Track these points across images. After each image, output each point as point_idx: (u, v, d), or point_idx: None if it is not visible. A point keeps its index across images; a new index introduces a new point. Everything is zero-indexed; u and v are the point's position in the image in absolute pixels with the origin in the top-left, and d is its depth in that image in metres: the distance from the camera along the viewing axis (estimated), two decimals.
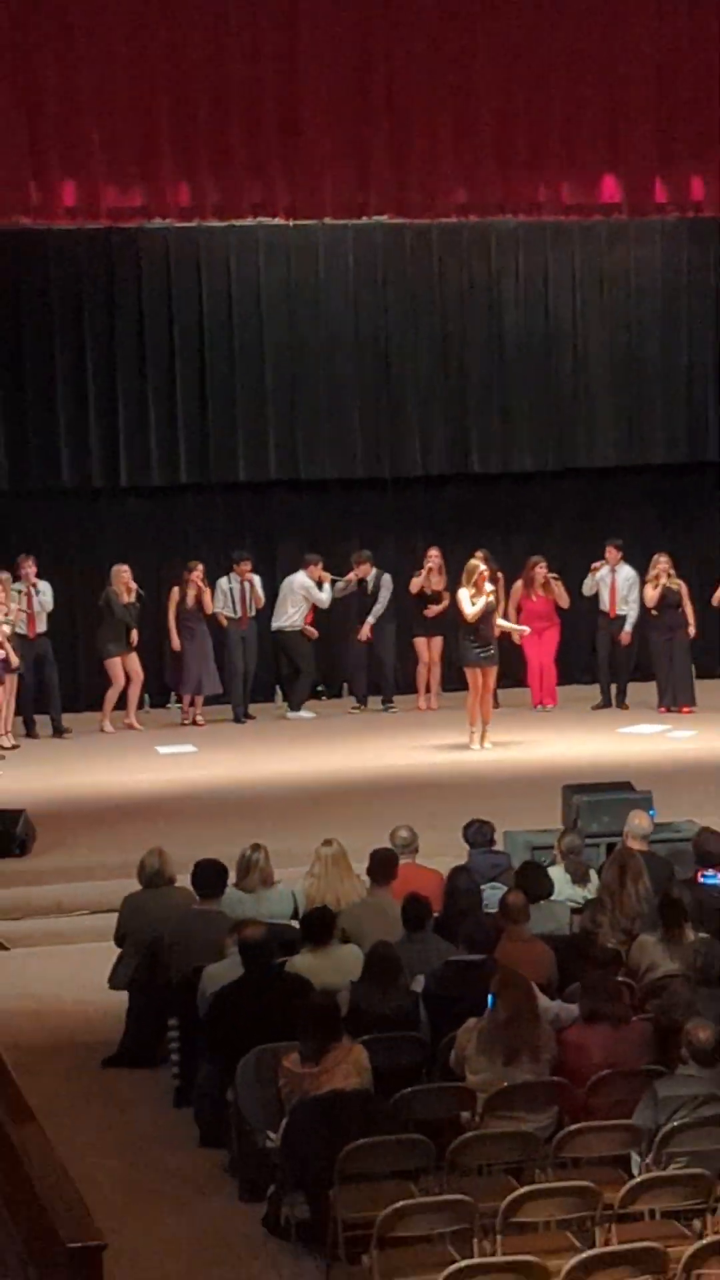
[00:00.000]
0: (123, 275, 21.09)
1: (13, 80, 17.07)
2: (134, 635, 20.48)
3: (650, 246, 22.10)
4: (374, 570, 21.07)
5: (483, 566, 19.08)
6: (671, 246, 22.17)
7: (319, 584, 20.94)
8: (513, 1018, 9.77)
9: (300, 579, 20.95)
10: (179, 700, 21.15)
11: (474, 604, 18.89)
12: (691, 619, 20.43)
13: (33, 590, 20.11)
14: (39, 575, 20.22)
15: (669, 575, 20.32)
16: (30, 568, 20.15)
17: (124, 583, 20.37)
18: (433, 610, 20.81)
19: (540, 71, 17.97)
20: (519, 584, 20.75)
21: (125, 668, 20.50)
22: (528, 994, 9.92)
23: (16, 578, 19.98)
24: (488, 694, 19.11)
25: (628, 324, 22.37)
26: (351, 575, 21.04)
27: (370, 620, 21.00)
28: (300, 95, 17.65)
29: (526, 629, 20.03)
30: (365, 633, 20.98)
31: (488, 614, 19.08)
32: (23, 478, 21.17)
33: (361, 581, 21.05)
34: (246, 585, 20.65)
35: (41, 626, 20.15)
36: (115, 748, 19.72)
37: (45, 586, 20.27)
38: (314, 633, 21.02)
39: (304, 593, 20.90)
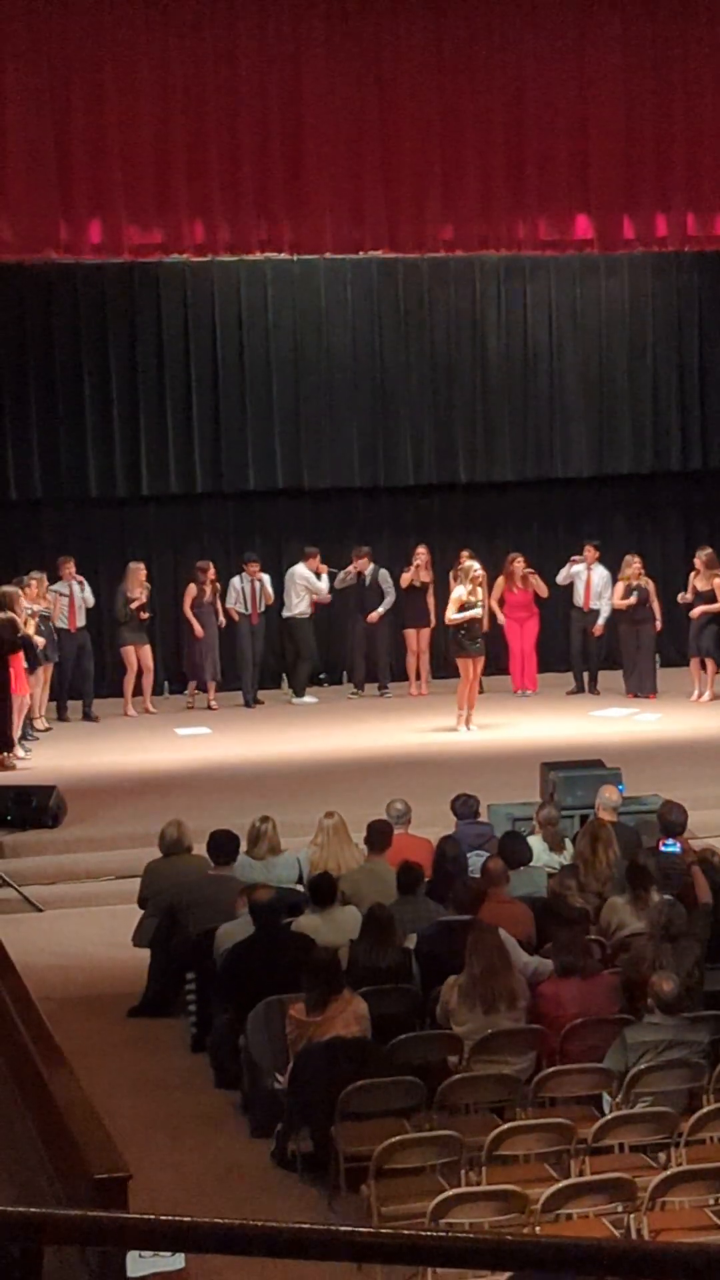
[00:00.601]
0: (143, 305, 21.26)
1: (46, 130, 16.97)
2: (145, 616, 20.50)
3: (619, 278, 22.26)
4: (371, 565, 21.10)
5: (477, 570, 19.21)
6: (638, 278, 22.32)
7: (317, 575, 20.95)
8: (486, 971, 9.85)
9: (300, 570, 20.97)
10: (187, 687, 21.17)
11: (471, 599, 19.05)
12: (658, 614, 20.52)
13: (76, 587, 20.24)
14: (75, 575, 20.29)
15: (639, 575, 20.51)
16: (70, 567, 20.26)
17: (138, 580, 20.53)
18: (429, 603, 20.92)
19: (518, 121, 17.78)
20: (501, 579, 20.76)
21: (138, 657, 20.60)
22: (499, 949, 9.97)
23: (57, 577, 20.05)
24: (476, 681, 19.22)
25: (598, 348, 22.43)
26: (351, 568, 21.02)
27: (381, 610, 21.01)
28: (303, 143, 17.53)
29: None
30: (374, 617, 21.02)
31: (472, 609, 19.16)
32: (55, 487, 21.24)
33: (360, 575, 21.04)
34: (256, 584, 20.69)
35: (81, 621, 20.23)
36: (138, 730, 19.71)
37: (84, 584, 20.36)
38: (326, 601, 21.07)
39: (304, 583, 20.92)
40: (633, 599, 20.35)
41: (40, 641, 18.80)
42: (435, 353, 22.11)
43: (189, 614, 20.70)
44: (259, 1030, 10.13)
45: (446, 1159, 8.62)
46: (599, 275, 22.26)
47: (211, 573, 20.67)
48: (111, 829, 15.30)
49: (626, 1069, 9.21)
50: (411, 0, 17.60)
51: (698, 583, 20.28)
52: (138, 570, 20.60)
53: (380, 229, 18.05)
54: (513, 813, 13.96)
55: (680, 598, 20.46)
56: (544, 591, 20.86)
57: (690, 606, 20.30)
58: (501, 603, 20.78)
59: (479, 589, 19.30)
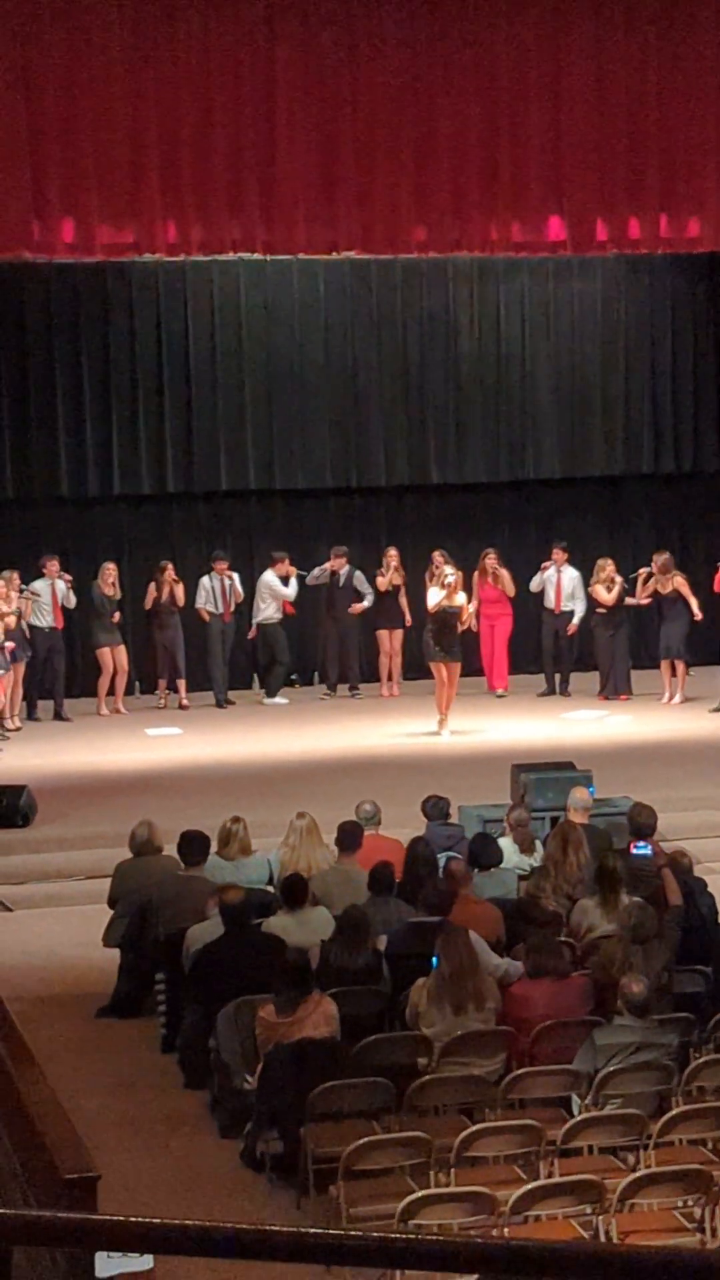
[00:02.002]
0: (116, 304, 21.26)
1: (18, 129, 17.01)
2: (117, 616, 20.57)
3: (591, 280, 22.34)
4: (347, 566, 21.10)
5: (451, 577, 19.15)
6: (610, 280, 22.38)
7: (285, 580, 20.92)
8: (455, 972, 9.87)
9: (267, 577, 20.94)
10: (158, 688, 21.17)
11: (447, 604, 19.02)
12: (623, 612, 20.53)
13: (61, 585, 20.21)
14: (59, 573, 20.31)
15: (613, 579, 20.46)
16: (54, 566, 20.23)
17: (109, 580, 20.56)
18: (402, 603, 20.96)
19: (492, 122, 17.84)
20: (475, 574, 20.74)
21: (113, 658, 20.60)
22: (468, 950, 9.98)
23: (39, 575, 20.06)
24: (452, 687, 19.16)
25: (570, 350, 22.50)
26: (328, 565, 21.04)
27: (363, 605, 21.08)
28: (276, 143, 17.55)
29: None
30: (358, 609, 21.07)
31: (451, 614, 19.16)
32: (26, 487, 21.24)
33: (334, 574, 21.06)
34: (226, 581, 20.69)
35: (60, 620, 20.28)
36: (108, 730, 19.73)
37: (70, 583, 20.37)
38: (291, 610, 21.04)
39: (269, 590, 20.92)
40: (615, 593, 20.37)
41: (10, 645, 18.82)
42: (408, 354, 22.16)
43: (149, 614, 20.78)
44: (229, 1031, 10.13)
45: (415, 1160, 8.63)
46: (572, 277, 22.34)
47: (170, 572, 20.68)
48: (82, 829, 15.30)
49: (596, 1071, 9.23)
50: (387, 4, 17.64)
51: (657, 586, 20.32)
52: (107, 570, 20.64)
53: (353, 229, 18.12)
54: (483, 814, 13.99)
55: (629, 600, 20.54)
56: (510, 590, 20.88)
57: (655, 607, 20.38)
58: (478, 600, 20.73)
59: (457, 592, 19.24)
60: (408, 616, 20.94)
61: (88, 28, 17.08)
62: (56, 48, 17.04)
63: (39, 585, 20.04)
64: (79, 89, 17.10)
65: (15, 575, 19.72)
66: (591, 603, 20.70)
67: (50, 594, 20.12)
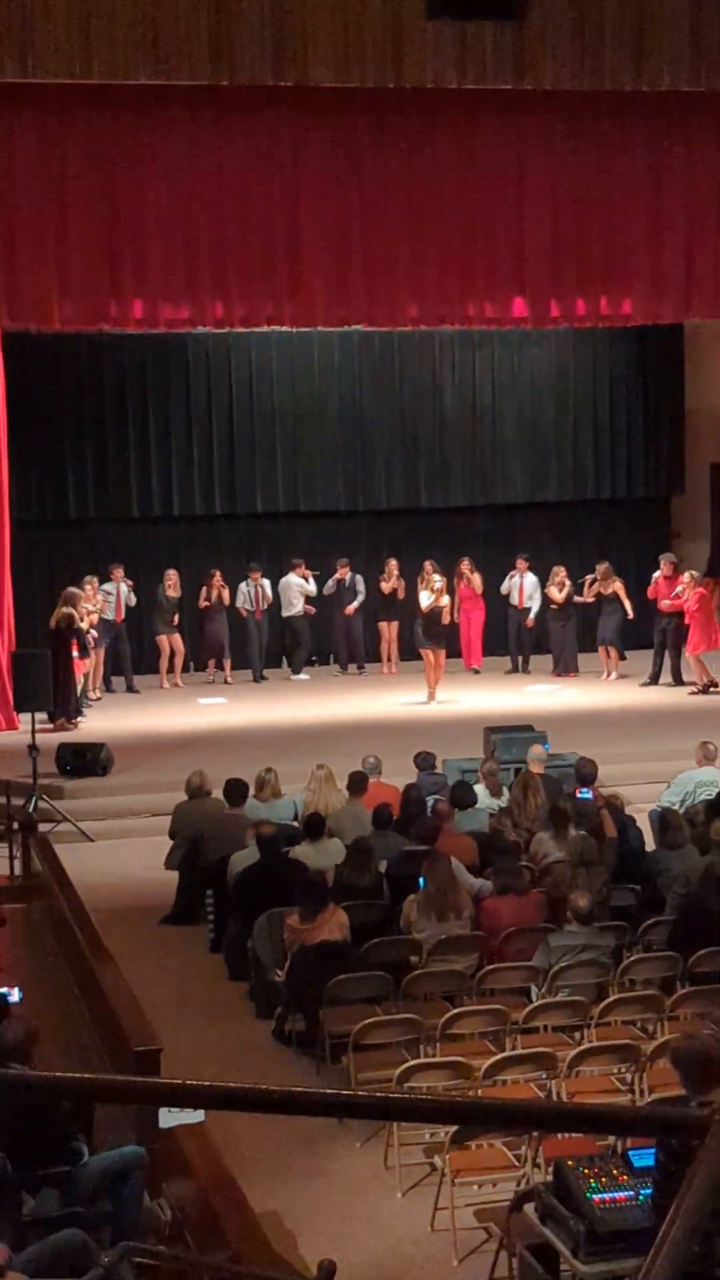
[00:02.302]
0: (175, 366, 21.24)
1: (100, 230, 17.02)
2: (175, 618, 20.60)
3: (547, 347, 22.28)
4: (350, 573, 21.12)
5: (439, 582, 19.29)
6: (562, 348, 22.32)
7: (304, 579, 20.95)
8: (440, 890, 9.98)
9: (293, 579, 20.91)
10: (207, 666, 21.12)
11: (435, 603, 19.15)
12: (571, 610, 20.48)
13: (123, 588, 20.18)
14: (124, 578, 20.30)
15: (564, 583, 20.46)
16: (119, 572, 20.22)
17: (170, 583, 20.59)
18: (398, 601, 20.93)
19: (470, 224, 17.81)
20: (455, 578, 20.61)
21: (170, 643, 20.63)
22: (449, 872, 10.09)
23: (108, 579, 20.03)
24: (439, 667, 19.14)
25: (531, 403, 22.42)
26: (336, 575, 20.97)
27: (355, 605, 20.97)
28: (300, 240, 17.56)
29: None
30: (350, 610, 20.99)
31: (438, 611, 19.25)
32: (104, 509, 21.23)
33: (339, 581, 21.03)
34: (258, 588, 20.68)
35: (122, 614, 20.23)
36: (168, 700, 19.73)
37: (130, 587, 20.33)
38: (311, 610, 21.02)
39: (298, 588, 20.90)
40: (565, 594, 20.36)
41: (93, 635, 18.88)
42: (403, 405, 22.10)
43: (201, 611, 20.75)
44: (263, 935, 10.20)
45: (408, 1037, 8.69)
46: (531, 345, 22.27)
47: (218, 578, 20.64)
48: (148, 777, 15.33)
49: (550, 967, 9.29)
50: (388, 129, 17.70)
51: (599, 588, 20.26)
52: (170, 575, 20.63)
53: (361, 307, 18.14)
54: (462, 766, 14.02)
55: (577, 599, 20.46)
56: (479, 589, 20.77)
57: (597, 605, 20.31)
58: (455, 596, 20.69)
59: (442, 595, 19.37)
60: (400, 612, 20.88)
61: (153, 147, 17.13)
62: (128, 164, 17.07)
63: (108, 587, 20.04)
64: (146, 196, 17.14)
65: (95, 580, 19.75)
66: (546, 601, 20.68)
67: (116, 595, 20.08)
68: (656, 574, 19.87)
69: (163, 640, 20.57)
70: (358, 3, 16.55)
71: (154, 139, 17.10)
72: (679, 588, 19.41)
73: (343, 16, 16.59)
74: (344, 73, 16.73)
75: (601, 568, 20.50)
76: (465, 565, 20.81)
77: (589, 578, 20.48)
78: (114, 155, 17.04)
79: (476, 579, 20.75)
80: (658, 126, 18.24)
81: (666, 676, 19.66)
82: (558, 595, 20.47)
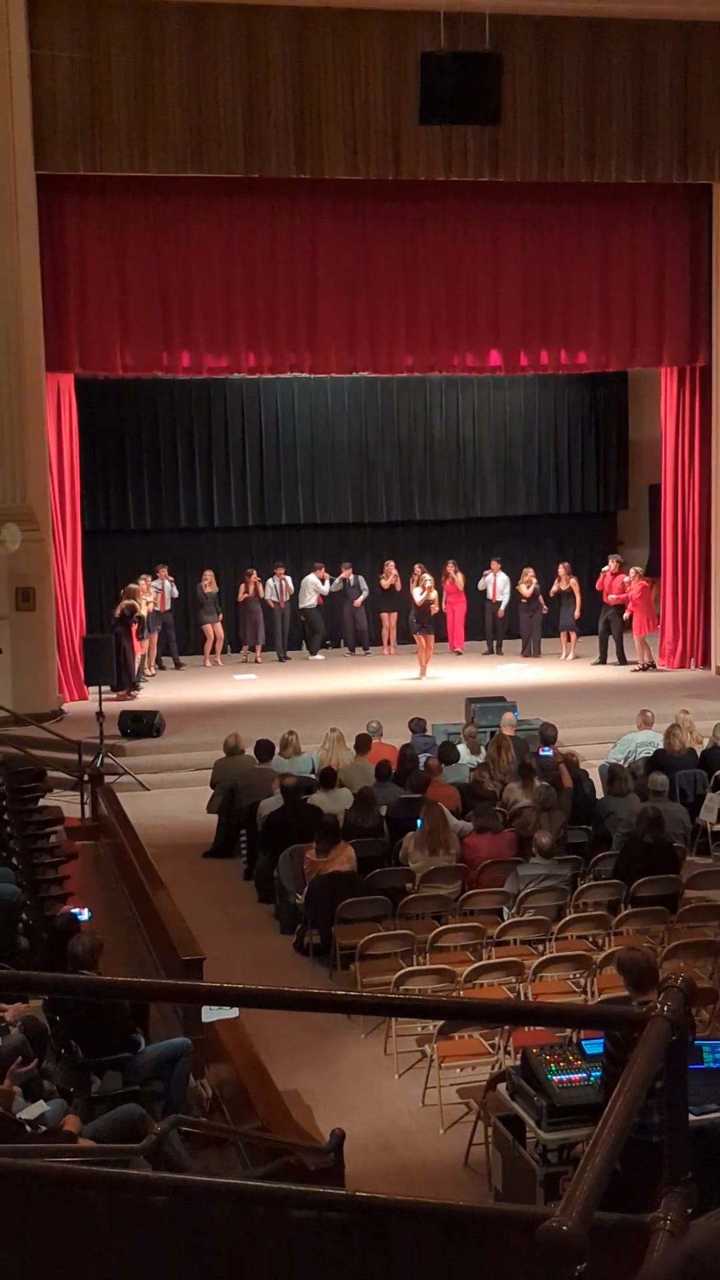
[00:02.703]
0: (215, 406, 21.05)
1: (153, 292, 17.02)
2: (220, 613, 20.42)
3: (517, 390, 22.09)
4: (352, 574, 20.83)
5: (429, 581, 19.27)
6: (530, 390, 22.14)
7: (321, 580, 20.80)
8: (432, 829, 9.98)
9: (311, 579, 20.72)
10: (242, 649, 20.97)
11: (426, 597, 19.09)
12: (544, 605, 20.38)
13: (168, 585, 20.06)
14: (167, 576, 20.19)
15: (532, 581, 20.37)
16: (164, 571, 20.07)
17: (207, 580, 20.41)
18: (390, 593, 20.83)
19: (455, 287, 17.78)
20: (442, 576, 20.37)
21: (213, 630, 20.54)
22: (441, 816, 10.09)
23: (155, 577, 19.94)
24: (428, 650, 19.06)
25: (506, 434, 22.23)
26: (341, 575, 20.82)
27: (360, 600, 20.78)
28: (317, 301, 17.53)
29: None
30: (358, 604, 20.80)
31: (428, 605, 19.18)
32: (156, 520, 21.08)
33: (345, 580, 20.81)
34: (282, 583, 20.51)
35: (168, 605, 20.11)
36: (210, 675, 19.63)
37: (174, 583, 20.20)
38: (321, 601, 20.83)
39: (314, 586, 20.75)
40: (531, 590, 20.26)
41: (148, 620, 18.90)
42: (400, 437, 21.93)
43: (240, 603, 20.59)
44: (286, 866, 10.20)
45: (404, 949, 8.70)
46: (504, 388, 22.09)
47: (254, 576, 20.55)
48: (193, 738, 15.28)
49: (518, 892, 9.29)
50: (389, 212, 17.69)
51: (560, 585, 20.18)
52: (208, 574, 20.50)
53: (365, 357, 18.18)
54: (448, 729, 13.99)
55: (552, 592, 20.33)
56: (461, 585, 20.57)
57: (557, 599, 20.22)
58: (442, 592, 20.61)
59: (431, 591, 19.31)
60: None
61: (197, 227, 17.17)
62: (177, 241, 17.11)
63: (155, 584, 19.92)
64: (191, 267, 17.16)
65: (148, 578, 19.69)
66: (516, 595, 20.57)
67: (162, 590, 19.99)
68: (605, 569, 19.78)
69: (207, 628, 20.44)
70: (364, 111, 16.56)
71: (198, 220, 17.13)
72: (626, 578, 19.32)
73: (351, 122, 16.60)
74: (352, 167, 16.74)
75: (561, 568, 20.46)
76: (450, 567, 20.69)
77: (555, 581, 20.37)
78: (166, 233, 17.07)
79: (460, 578, 20.63)
80: (607, 211, 18.22)
81: (613, 657, 19.56)
82: (526, 591, 20.39)
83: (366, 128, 16.57)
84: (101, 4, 15.75)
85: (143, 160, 16.13)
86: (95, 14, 15.75)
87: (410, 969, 8.08)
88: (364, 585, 20.95)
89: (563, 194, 17.92)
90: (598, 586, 19.74)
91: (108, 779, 13.11)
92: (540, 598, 20.34)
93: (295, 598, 20.82)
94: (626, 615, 19.31)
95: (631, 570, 19.59)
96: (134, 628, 17.77)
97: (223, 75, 16.07)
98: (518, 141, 16.95)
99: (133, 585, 18.51)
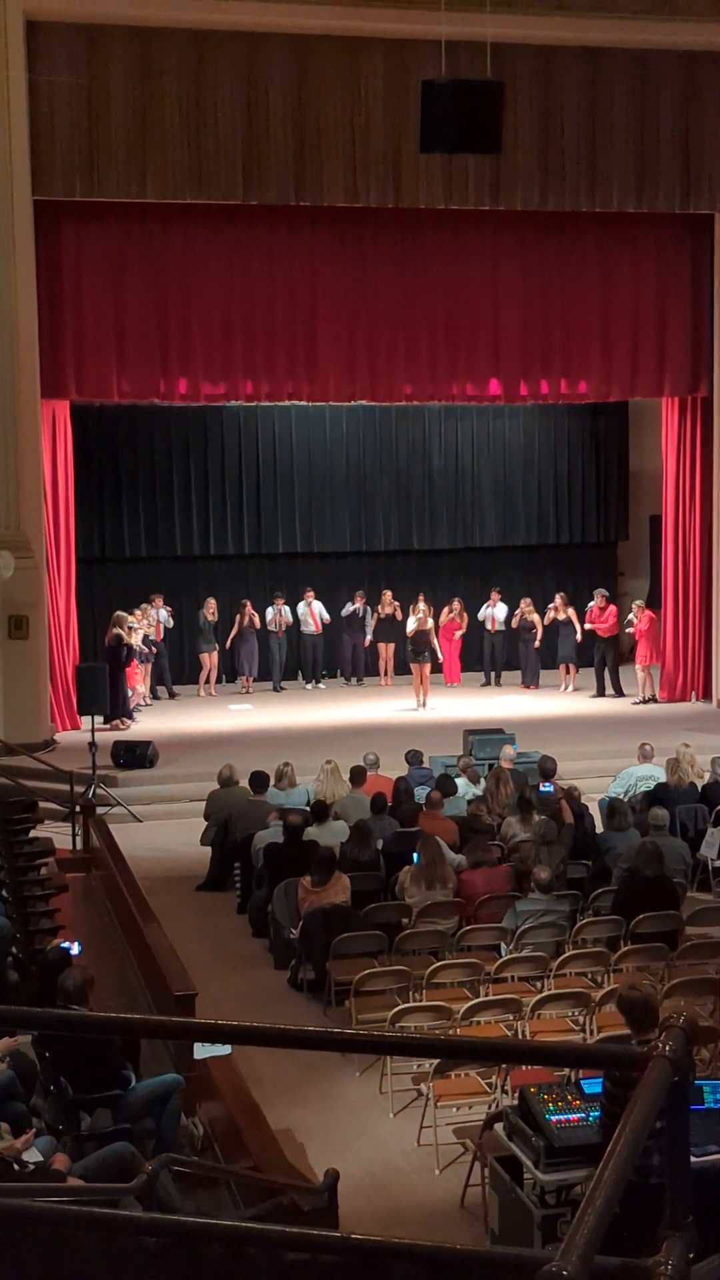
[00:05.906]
0: (212, 433, 21.07)
1: (151, 322, 17.07)
2: (215, 643, 20.42)
3: (517, 420, 22.14)
4: (364, 604, 20.63)
5: (423, 610, 19.29)
6: (529, 420, 22.18)
7: (359, 607, 20.56)
8: (428, 863, 9.98)
9: (315, 606, 20.58)
10: (238, 679, 20.83)
11: (421, 627, 19.14)
12: (540, 634, 20.34)
13: (163, 614, 19.98)
14: (162, 605, 20.15)
15: (530, 610, 20.39)
16: (159, 600, 20.05)
17: (210, 609, 20.49)
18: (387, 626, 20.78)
19: (454, 317, 17.85)
20: (445, 611, 20.47)
21: (209, 660, 20.43)
22: (437, 849, 10.08)
23: (151, 605, 19.87)
24: (426, 680, 19.03)
25: (504, 464, 22.27)
26: (354, 605, 20.58)
27: (367, 639, 20.66)
28: (316, 330, 17.59)
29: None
30: (366, 644, 20.76)
31: (424, 633, 19.22)
32: (153, 548, 21.08)
33: (355, 610, 20.60)
34: (279, 612, 20.42)
35: (161, 634, 20.08)
36: (204, 705, 19.61)
37: (170, 613, 20.16)
38: (319, 630, 20.70)
39: (310, 614, 20.62)
40: (532, 619, 20.25)
41: (143, 650, 18.83)
42: (399, 466, 21.94)
43: (234, 633, 20.48)
44: (281, 899, 10.17)
45: (400, 985, 8.67)
46: (504, 418, 22.14)
47: (249, 607, 20.49)
48: (187, 769, 15.26)
49: (516, 928, 9.26)
50: (388, 241, 17.79)
51: (556, 615, 20.18)
52: (209, 603, 20.44)
53: (364, 385, 18.22)
54: (446, 761, 13.95)
55: (547, 620, 20.28)
56: (463, 622, 20.58)
57: (553, 629, 20.20)
58: (439, 627, 20.53)
59: (428, 619, 19.35)
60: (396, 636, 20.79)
61: (196, 254, 17.25)
62: (176, 268, 17.19)
63: (153, 613, 19.94)
64: (189, 294, 17.24)
65: (147, 607, 19.67)
66: (522, 624, 20.44)
67: (156, 619, 20.00)
68: (591, 604, 19.84)
69: (204, 657, 20.39)
70: (364, 138, 16.69)
71: (197, 247, 17.22)
72: (630, 613, 19.34)
73: (351, 149, 16.72)
74: (352, 195, 16.85)
75: (560, 597, 20.46)
76: (457, 604, 20.66)
77: (550, 608, 20.33)
78: (164, 260, 17.16)
79: (464, 617, 20.60)
80: (607, 241, 18.33)
81: (610, 689, 19.55)
82: (523, 620, 20.39)
83: (366, 155, 16.70)
84: (101, 30, 15.88)
85: (141, 186, 16.24)
86: (94, 40, 15.88)
87: (406, 1006, 8.05)
88: (370, 619, 20.83)
89: (563, 223, 18.03)
90: (587, 620, 19.76)
91: (100, 810, 13.07)
92: (538, 628, 20.32)
93: (295, 625, 20.82)
94: (631, 645, 19.31)
95: (635, 603, 19.70)
96: (127, 655, 17.73)
97: (222, 101, 16.21)
98: (519, 170, 17.07)
99: (120, 613, 18.49)
